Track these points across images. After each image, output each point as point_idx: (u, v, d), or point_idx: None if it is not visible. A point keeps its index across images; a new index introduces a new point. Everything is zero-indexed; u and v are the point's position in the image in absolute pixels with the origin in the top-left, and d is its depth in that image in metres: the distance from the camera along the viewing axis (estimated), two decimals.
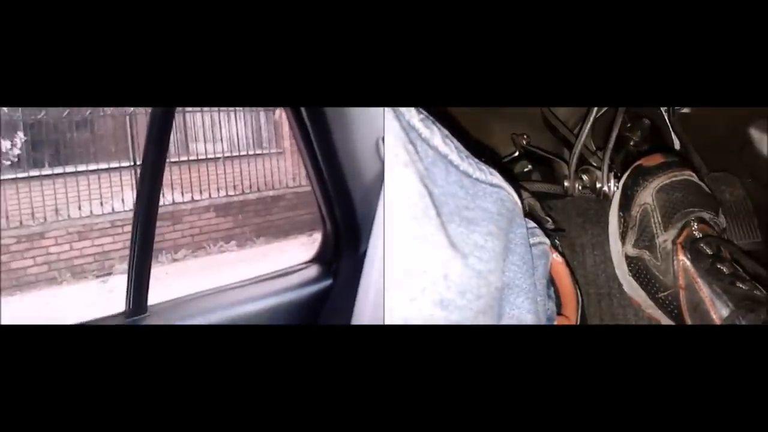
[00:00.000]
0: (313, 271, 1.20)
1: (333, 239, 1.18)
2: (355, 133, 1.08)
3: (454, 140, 0.59)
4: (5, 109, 5.28)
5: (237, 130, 6.64)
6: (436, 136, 0.57)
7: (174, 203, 5.80)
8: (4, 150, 5.32)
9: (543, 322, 0.74)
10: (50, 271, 5.17)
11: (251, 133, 6.79)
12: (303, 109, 1.06)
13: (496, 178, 0.64)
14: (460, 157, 0.59)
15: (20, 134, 5.38)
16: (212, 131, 6.40)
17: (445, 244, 0.51)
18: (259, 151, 6.72)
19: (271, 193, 6.53)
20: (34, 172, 5.33)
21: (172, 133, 0.97)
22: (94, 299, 4.50)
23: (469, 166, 0.60)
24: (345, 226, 1.14)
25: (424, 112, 0.57)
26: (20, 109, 5.29)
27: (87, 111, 5.54)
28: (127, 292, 0.97)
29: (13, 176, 5.25)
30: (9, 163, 5.33)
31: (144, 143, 0.96)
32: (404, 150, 0.51)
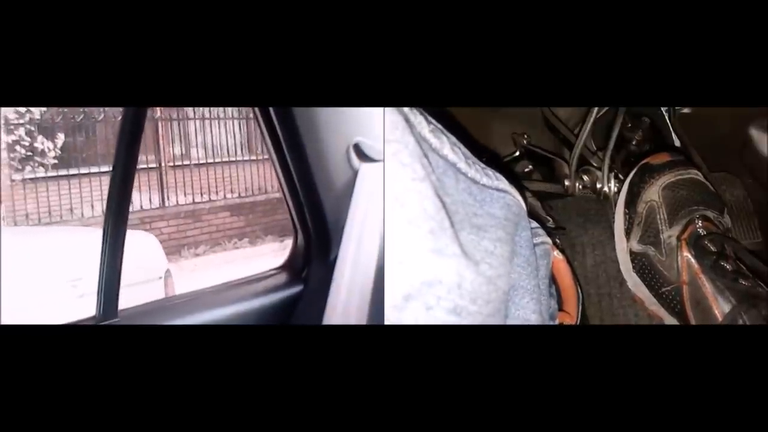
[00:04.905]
0: (284, 277, 1.17)
1: (304, 246, 1.16)
2: (326, 141, 1.05)
3: (462, 146, 0.58)
4: (41, 110, 5.35)
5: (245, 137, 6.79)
6: (446, 146, 0.56)
7: (194, 203, 5.99)
8: (46, 151, 5.39)
9: (546, 321, 0.73)
10: None
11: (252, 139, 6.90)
12: (274, 117, 1.03)
13: (502, 183, 0.63)
14: (467, 164, 0.58)
15: (61, 136, 5.45)
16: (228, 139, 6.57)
17: (458, 253, 0.51)
18: (265, 157, 6.82)
19: (277, 195, 6.61)
20: (73, 171, 5.44)
21: (142, 140, 0.94)
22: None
23: (477, 173, 0.59)
24: (316, 233, 1.12)
25: (433, 122, 0.55)
26: (62, 113, 5.38)
27: (119, 116, 5.62)
28: (97, 296, 0.92)
29: (55, 174, 5.36)
30: (48, 164, 5.41)
31: (115, 149, 0.92)
32: (420, 165, 0.50)
